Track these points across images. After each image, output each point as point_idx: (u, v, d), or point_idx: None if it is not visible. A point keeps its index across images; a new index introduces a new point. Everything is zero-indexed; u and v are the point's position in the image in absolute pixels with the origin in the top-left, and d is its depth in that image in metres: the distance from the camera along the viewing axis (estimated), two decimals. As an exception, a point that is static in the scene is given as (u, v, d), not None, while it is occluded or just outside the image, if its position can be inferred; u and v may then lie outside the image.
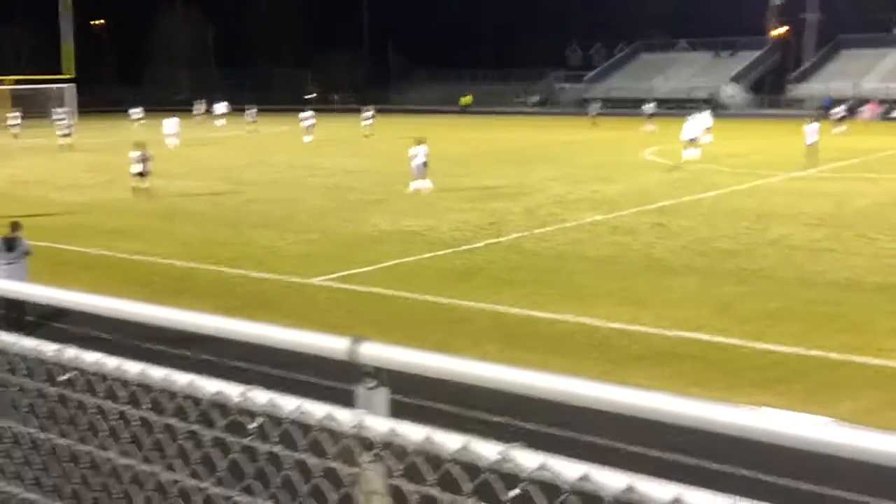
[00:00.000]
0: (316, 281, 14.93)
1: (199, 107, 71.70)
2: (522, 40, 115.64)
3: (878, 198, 24.15)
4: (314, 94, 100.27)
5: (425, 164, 25.93)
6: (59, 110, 52.99)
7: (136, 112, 63.19)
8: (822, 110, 71.11)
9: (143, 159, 25.54)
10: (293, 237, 19.17)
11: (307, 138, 47.21)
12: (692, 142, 35.20)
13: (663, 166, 33.50)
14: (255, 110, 60.13)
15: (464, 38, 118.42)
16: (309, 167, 34.07)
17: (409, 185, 26.07)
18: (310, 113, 50.19)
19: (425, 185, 25.78)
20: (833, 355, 10.56)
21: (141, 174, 25.61)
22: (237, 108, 70.08)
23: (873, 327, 11.73)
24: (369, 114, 53.12)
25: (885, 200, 23.64)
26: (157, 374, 2.42)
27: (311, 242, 18.60)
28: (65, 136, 43.22)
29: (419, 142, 26.10)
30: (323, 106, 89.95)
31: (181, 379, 2.37)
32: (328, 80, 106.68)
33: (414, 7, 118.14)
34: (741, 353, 10.83)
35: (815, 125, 35.32)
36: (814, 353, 10.65)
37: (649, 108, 63.33)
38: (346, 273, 15.43)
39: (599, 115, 65.52)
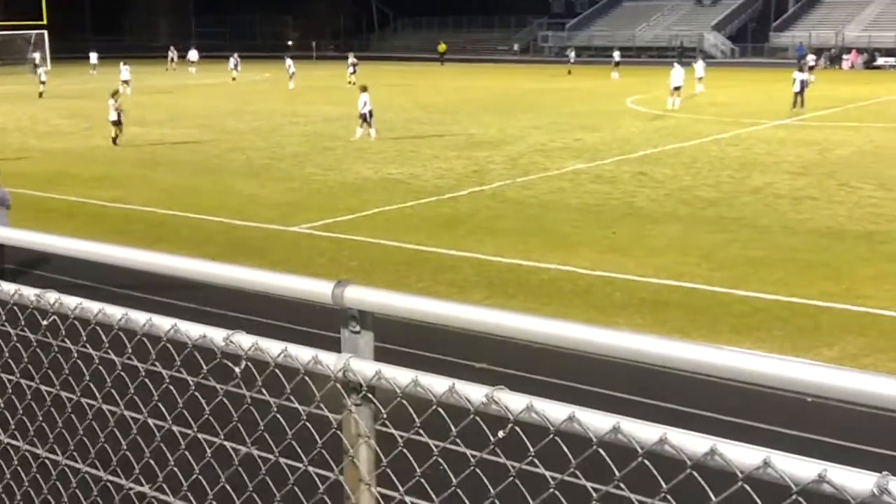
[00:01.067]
0: (297, 229, 14.88)
1: (172, 54, 70.28)
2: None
3: (861, 146, 24.20)
4: (291, 42, 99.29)
5: (370, 112, 25.80)
6: (36, 56, 52.39)
7: (94, 58, 62.47)
8: (797, 59, 71.18)
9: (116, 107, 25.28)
10: (274, 185, 19.07)
11: (291, 85, 46.96)
12: (677, 90, 35.17)
13: (645, 115, 33.44)
14: (237, 56, 59.33)
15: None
16: (290, 115, 33.82)
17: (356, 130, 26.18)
18: (292, 62, 49.76)
19: (368, 132, 25.78)
20: (813, 302, 10.63)
21: (115, 122, 25.33)
22: (219, 56, 69.43)
23: (853, 275, 11.81)
24: (352, 61, 52.45)
25: (867, 149, 23.70)
26: (141, 318, 2.41)
27: (293, 191, 18.52)
28: (41, 83, 42.86)
29: (363, 89, 26.00)
30: (302, 53, 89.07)
31: (164, 324, 2.36)
32: (309, 26, 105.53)
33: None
34: (723, 299, 10.89)
35: (804, 74, 35.57)
36: (794, 300, 10.72)
37: (616, 55, 63.82)
38: (328, 221, 15.38)
39: (574, 63, 65.51)
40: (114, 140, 25.21)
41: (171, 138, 27.05)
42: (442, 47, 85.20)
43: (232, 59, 58.05)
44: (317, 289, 2.02)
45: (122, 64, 44.05)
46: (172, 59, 69.46)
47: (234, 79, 54.60)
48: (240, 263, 8.96)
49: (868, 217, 15.37)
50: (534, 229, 14.79)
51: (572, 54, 68.29)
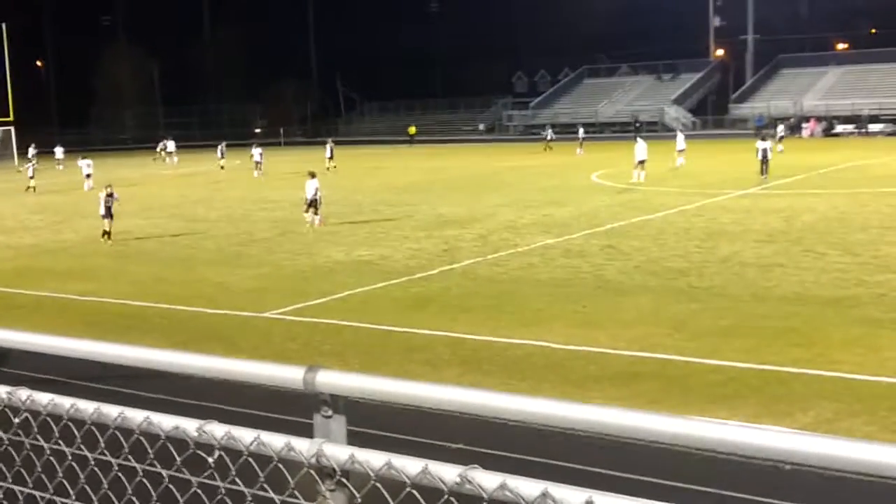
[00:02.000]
0: (269, 314, 14.83)
1: (164, 144, 68.89)
2: (469, 69, 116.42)
3: (825, 213, 24.57)
4: (259, 129, 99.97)
5: (318, 198, 25.06)
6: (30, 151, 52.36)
7: (59, 152, 60.91)
8: (756, 129, 72.66)
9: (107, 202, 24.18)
10: (245, 272, 19.04)
11: (257, 173, 46.81)
12: (641, 164, 35.67)
13: (611, 189, 33.84)
14: (224, 145, 58.78)
15: (411, 69, 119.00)
16: (259, 201, 33.93)
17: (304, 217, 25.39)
18: (259, 150, 49.25)
19: (314, 218, 25.06)
20: (786, 369, 10.69)
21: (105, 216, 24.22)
22: (187, 146, 69.67)
23: (824, 340, 11.90)
24: (330, 146, 51.75)
25: (831, 215, 24.05)
26: (113, 412, 2.40)
27: (264, 276, 18.49)
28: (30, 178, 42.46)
29: (311, 175, 25.56)
30: (271, 140, 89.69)
31: (137, 416, 2.35)
32: (276, 113, 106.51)
33: (360, 39, 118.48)
34: (696, 369, 10.93)
35: (767, 143, 36.38)
36: (767, 367, 10.77)
37: (581, 132, 65.79)
38: (300, 305, 15.34)
39: (552, 140, 66.50)
40: (107, 235, 23.97)
41: (141, 229, 27.00)
42: (412, 130, 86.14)
43: (219, 148, 57.44)
44: (288, 375, 2.03)
45: (81, 158, 43.18)
46: (164, 150, 67.89)
47: (222, 167, 53.87)
48: (212, 352, 8.95)
49: (835, 282, 15.54)
50: (506, 305, 14.83)
51: (550, 131, 69.41)
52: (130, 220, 28.84)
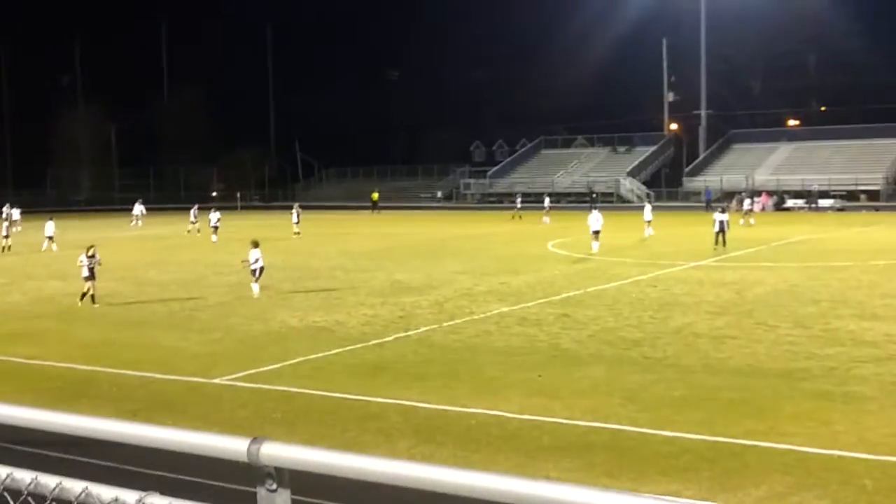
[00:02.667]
0: (220, 381, 14.62)
1: (139, 209, 66.60)
2: (428, 137, 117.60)
3: (776, 286, 24.88)
4: (216, 193, 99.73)
5: (261, 268, 24.40)
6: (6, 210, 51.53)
7: (15, 213, 58.54)
8: (706, 202, 73.94)
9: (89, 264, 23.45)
10: (197, 337, 18.81)
11: (214, 238, 45.96)
12: (596, 234, 35.94)
13: (567, 258, 34.07)
14: (196, 208, 57.81)
15: (370, 136, 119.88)
16: (213, 265, 33.68)
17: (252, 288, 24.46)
18: (217, 214, 48.06)
19: (256, 288, 24.33)
20: (739, 441, 10.70)
21: (88, 277, 23.52)
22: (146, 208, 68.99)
23: (776, 413, 11.96)
24: (296, 211, 50.93)
25: (782, 288, 24.36)
26: (51, 482, 2.32)
27: (216, 342, 18.27)
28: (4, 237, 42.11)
29: (254, 244, 24.76)
30: (227, 203, 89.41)
31: (76, 487, 2.28)
32: (234, 177, 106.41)
33: (319, 105, 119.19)
34: (650, 440, 10.91)
35: (725, 215, 37.02)
36: (720, 439, 10.79)
37: (546, 201, 66.57)
38: (252, 372, 15.16)
39: (521, 209, 67.15)
40: (90, 297, 23.26)
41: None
42: (375, 195, 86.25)
43: (192, 211, 56.26)
44: (232, 446, 1.98)
45: (48, 220, 42.61)
46: (140, 214, 65.71)
47: (189, 231, 52.70)
48: (161, 419, 8.77)
49: (786, 355, 15.68)
50: (461, 374, 14.76)
51: (520, 200, 70.01)
52: (80, 282, 28.46)
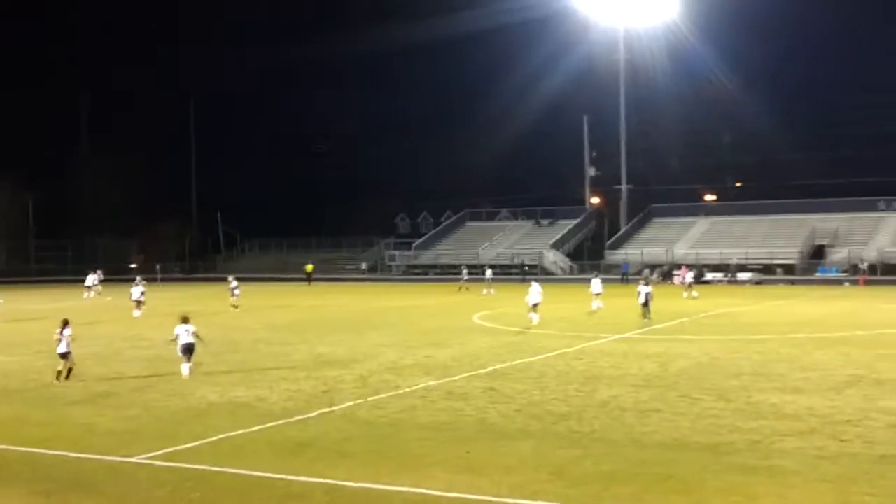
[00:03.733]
0: (138, 459, 14.11)
1: (95, 277, 64.41)
2: (352, 209, 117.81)
3: (698, 358, 25.12)
4: (135, 265, 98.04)
5: (192, 343, 22.84)
6: None
7: None
8: (623, 275, 75.11)
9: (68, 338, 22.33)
10: (114, 413, 18.21)
11: (138, 313, 44.01)
12: (535, 307, 35.90)
13: (493, 330, 34.06)
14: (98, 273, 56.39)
15: (294, 208, 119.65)
16: (132, 339, 32.92)
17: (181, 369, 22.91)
18: (140, 288, 45.92)
19: (186, 368, 22.81)
20: (667, 517, 10.62)
21: (64, 355, 22.35)
22: (60, 280, 67.39)
23: (702, 487, 11.94)
24: (234, 285, 48.65)
25: (704, 361, 24.60)
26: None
27: (133, 418, 17.70)
28: None
29: (184, 320, 23.09)
30: (148, 275, 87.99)
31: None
32: (154, 249, 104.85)
33: (242, 177, 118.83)
34: (578, 518, 10.76)
35: (648, 287, 37.46)
36: (648, 515, 10.70)
37: (488, 273, 67.31)
38: (170, 450, 14.67)
39: (468, 280, 67.45)
40: (65, 374, 22.23)
41: (3, 366, 25.75)
42: (309, 267, 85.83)
43: (90, 277, 55.17)
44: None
45: None
46: (95, 284, 63.39)
47: (99, 293, 51.38)
48: (74, 501, 8.37)
49: (710, 428, 15.74)
50: (386, 450, 14.49)
51: (466, 272, 70.22)
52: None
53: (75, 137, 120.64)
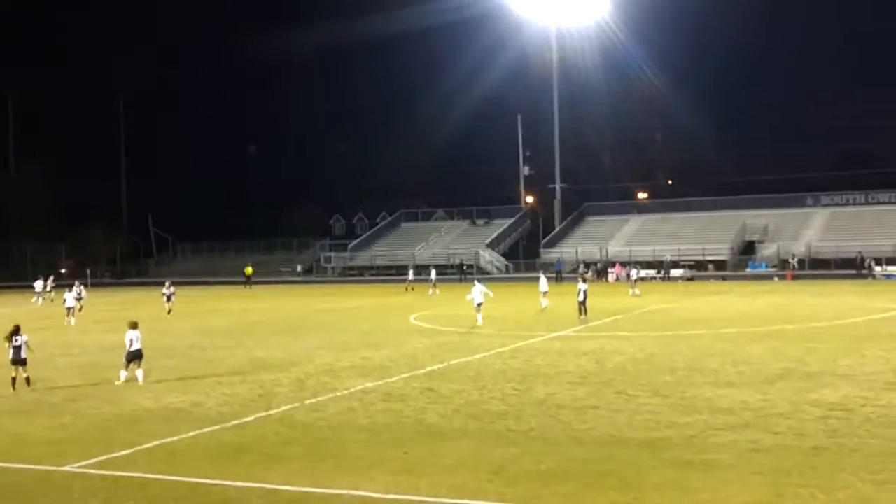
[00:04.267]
0: (70, 468, 13.82)
1: (44, 284, 62.11)
2: (287, 211, 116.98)
3: (633, 354, 25.40)
4: (65, 270, 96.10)
5: (138, 350, 22.22)
6: None
7: None
8: (557, 273, 75.84)
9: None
10: (44, 421, 17.82)
11: (72, 320, 42.03)
12: (479, 307, 35.82)
13: (430, 331, 34.06)
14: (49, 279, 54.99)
15: (227, 210, 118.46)
16: (63, 345, 32.25)
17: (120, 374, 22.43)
18: (73, 294, 44.46)
19: (132, 375, 22.23)
20: (605, 513, 10.71)
21: (18, 361, 21.37)
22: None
23: (640, 483, 12.05)
24: (170, 291, 47.92)
25: (639, 357, 24.87)
26: None
27: (65, 427, 17.34)
28: None
29: (132, 326, 22.34)
30: (80, 280, 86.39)
31: None
32: (84, 253, 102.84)
33: (174, 179, 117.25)
34: (518, 517, 10.79)
35: (585, 285, 37.80)
36: (587, 512, 10.77)
37: (433, 273, 67.53)
38: (103, 458, 14.39)
39: (413, 281, 67.66)
40: (16, 381, 21.26)
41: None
42: (249, 270, 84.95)
43: (39, 283, 53.95)
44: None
45: None
46: (47, 290, 61.52)
47: (52, 300, 49.80)
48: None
49: (647, 424, 15.91)
50: (324, 453, 14.39)
51: (412, 272, 70.57)
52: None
53: (2, 139, 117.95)
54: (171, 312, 46.04)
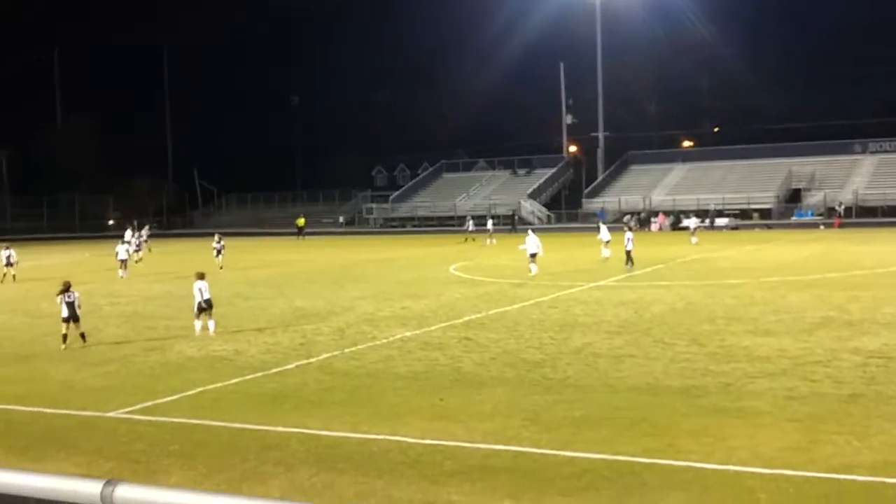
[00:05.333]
0: (115, 414, 14.19)
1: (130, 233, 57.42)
2: (329, 162, 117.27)
3: (673, 304, 25.36)
4: (112, 222, 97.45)
5: (208, 300, 22.07)
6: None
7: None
8: (599, 222, 75.37)
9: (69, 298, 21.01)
10: (91, 369, 18.26)
11: (123, 273, 40.58)
12: (532, 257, 35.57)
13: (469, 281, 34.20)
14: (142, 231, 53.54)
15: (271, 162, 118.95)
16: (109, 295, 32.85)
17: (195, 325, 22.49)
18: (125, 247, 42.46)
19: (205, 325, 22.32)
20: (638, 459, 10.81)
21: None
22: (33, 238, 66.84)
23: (673, 429, 12.13)
24: (220, 244, 46.04)
25: (678, 307, 24.83)
26: None
27: (111, 374, 17.77)
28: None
29: (199, 276, 22.39)
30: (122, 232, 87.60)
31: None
32: (130, 205, 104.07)
33: (218, 131, 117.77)
34: (551, 462, 10.94)
35: (630, 234, 37.61)
36: (620, 458, 10.88)
37: (489, 224, 67.90)
38: (148, 404, 14.76)
39: (473, 231, 67.59)
40: (67, 337, 20.92)
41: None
42: (301, 221, 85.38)
43: (127, 234, 51.90)
44: (83, 489, 1.88)
45: (4, 249, 39.87)
46: (144, 238, 59.12)
47: (138, 260, 48.66)
48: (50, 456, 8.42)
49: (683, 372, 15.95)
50: (362, 400, 14.63)
51: (471, 223, 70.40)
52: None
53: (48, 93, 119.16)
54: (223, 268, 45.03)
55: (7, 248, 41.03)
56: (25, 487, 2.00)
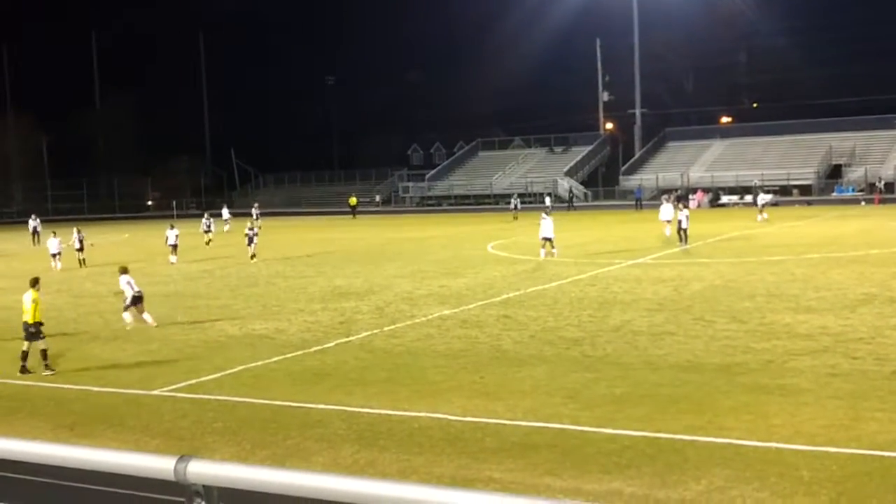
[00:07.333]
0: (159, 392, 14.41)
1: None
2: (365, 141, 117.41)
3: (713, 281, 25.21)
4: (151, 202, 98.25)
5: (137, 294, 21.17)
6: None
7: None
8: (637, 200, 74.92)
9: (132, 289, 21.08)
10: (134, 348, 18.53)
11: (174, 258, 38.31)
12: (546, 241, 34.07)
13: (506, 259, 34.18)
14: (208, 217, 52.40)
15: (307, 142, 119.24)
16: (150, 275, 33.18)
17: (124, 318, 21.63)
18: (176, 231, 39.33)
19: (136, 317, 21.30)
20: (679, 436, 10.82)
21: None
22: (72, 219, 67.54)
23: (714, 407, 12.11)
24: (252, 230, 40.75)
25: (718, 283, 24.68)
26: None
27: (154, 352, 18.02)
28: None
29: (122, 271, 21.88)
30: (163, 213, 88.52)
31: None
32: (169, 186, 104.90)
33: (255, 112, 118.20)
34: (591, 439, 10.98)
35: (686, 211, 37.37)
36: (661, 435, 10.89)
37: (548, 201, 68.97)
38: (191, 382, 14.97)
39: (520, 209, 67.57)
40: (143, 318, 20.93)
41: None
42: (353, 200, 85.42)
43: (204, 221, 50.76)
44: (157, 465, 1.94)
45: (76, 232, 39.53)
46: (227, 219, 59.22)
47: (208, 242, 47.85)
48: (98, 433, 8.59)
49: (724, 350, 15.89)
50: (402, 378, 14.73)
51: (517, 201, 69.96)
52: (10, 296, 27.85)
53: (88, 76, 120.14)
54: (255, 257, 42.79)
55: (79, 231, 40.09)
56: (97, 463, 2.06)
